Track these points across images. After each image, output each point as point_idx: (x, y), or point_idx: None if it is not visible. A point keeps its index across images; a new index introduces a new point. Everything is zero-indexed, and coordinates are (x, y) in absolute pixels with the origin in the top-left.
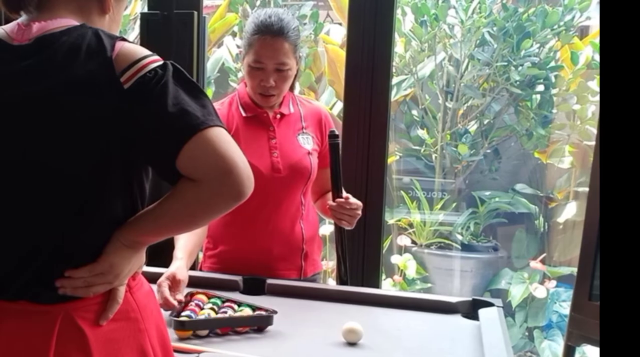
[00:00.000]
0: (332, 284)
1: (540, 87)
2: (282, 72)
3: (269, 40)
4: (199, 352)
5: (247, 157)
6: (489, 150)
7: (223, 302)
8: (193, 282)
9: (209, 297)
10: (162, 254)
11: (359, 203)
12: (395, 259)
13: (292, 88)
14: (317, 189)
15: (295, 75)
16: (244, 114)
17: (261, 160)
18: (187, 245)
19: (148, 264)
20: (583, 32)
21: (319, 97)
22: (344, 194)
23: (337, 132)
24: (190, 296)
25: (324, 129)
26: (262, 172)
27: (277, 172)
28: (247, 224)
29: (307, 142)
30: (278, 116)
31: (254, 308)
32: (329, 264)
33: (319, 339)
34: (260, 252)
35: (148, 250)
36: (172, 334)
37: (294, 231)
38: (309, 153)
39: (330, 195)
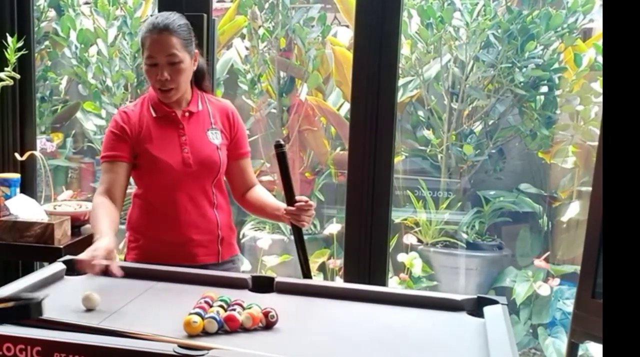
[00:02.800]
0: (339, 282)
1: (544, 89)
2: (174, 65)
3: (156, 36)
4: (208, 349)
5: (159, 154)
6: (493, 151)
7: (232, 300)
8: (202, 280)
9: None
10: None
11: (312, 203)
12: (402, 257)
13: (201, 87)
14: (237, 184)
15: (203, 75)
16: (154, 115)
17: (172, 156)
18: (110, 225)
19: None
20: (586, 35)
21: (327, 98)
22: (299, 197)
23: (282, 142)
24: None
25: (232, 123)
26: (174, 167)
27: (187, 166)
28: (164, 216)
29: (216, 137)
30: (187, 114)
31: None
32: (337, 262)
33: (326, 337)
34: (179, 242)
35: None
36: (182, 331)
37: (208, 219)
38: (217, 148)
39: (266, 200)
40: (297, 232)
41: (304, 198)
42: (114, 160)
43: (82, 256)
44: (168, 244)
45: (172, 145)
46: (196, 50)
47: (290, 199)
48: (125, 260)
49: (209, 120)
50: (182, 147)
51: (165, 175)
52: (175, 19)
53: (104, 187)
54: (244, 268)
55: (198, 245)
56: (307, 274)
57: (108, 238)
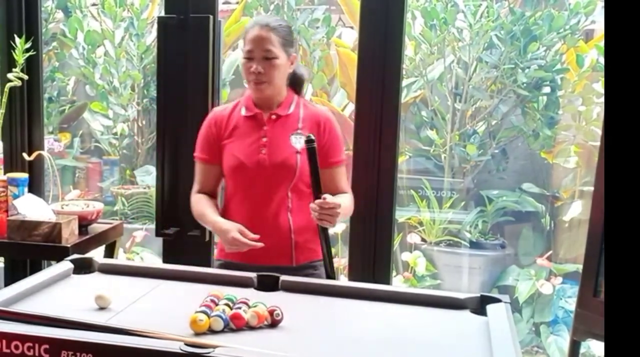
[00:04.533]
0: (344, 280)
1: (547, 89)
2: (269, 60)
3: (256, 31)
4: (214, 347)
5: (236, 153)
6: (496, 151)
7: (238, 298)
8: (208, 278)
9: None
10: None
11: (337, 202)
12: (406, 256)
13: (298, 91)
14: (326, 189)
15: (302, 82)
16: (243, 113)
17: (249, 156)
18: (217, 212)
19: None
20: (588, 36)
21: (331, 99)
22: (323, 195)
23: (313, 137)
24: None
25: (322, 130)
26: (248, 167)
27: (262, 168)
28: (239, 215)
29: (299, 142)
30: (273, 117)
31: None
32: (342, 261)
33: (331, 334)
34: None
35: None
36: (188, 329)
37: (280, 222)
38: (297, 152)
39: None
40: (322, 231)
41: (325, 195)
42: (203, 162)
43: (239, 239)
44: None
45: (251, 146)
46: (294, 54)
47: (316, 195)
48: (216, 257)
49: (296, 125)
50: (260, 149)
51: (240, 175)
52: (277, 19)
53: (197, 187)
54: None
55: (269, 247)
56: (331, 274)
57: (225, 222)
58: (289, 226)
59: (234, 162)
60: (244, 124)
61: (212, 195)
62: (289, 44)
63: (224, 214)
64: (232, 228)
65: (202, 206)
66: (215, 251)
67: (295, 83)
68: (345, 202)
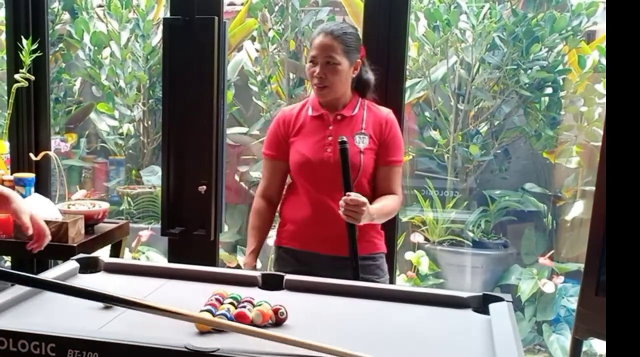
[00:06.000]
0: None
1: (549, 90)
2: (330, 65)
3: (321, 39)
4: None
5: (302, 149)
6: (499, 151)
7: (242, 297)
8: (213, 277)
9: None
10: None
11: (360, 200)
12: (409, 255)
13: (363, 94)
14: (376, 189)
15: (367, 87)
16: (309, 113)
17: (315, 154)
18: (257, 238)
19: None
20: (590, 37)
21: None
22: (350, 193)
23: (345, 139)
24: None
25: (384, 129)
26: (314, 164)
27: (327, 165)
28: (305, 207)
29: (362, 142)
30: (338, 117)
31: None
32: None
33: (335, 333)
34: (315, 232)
35: None
36: (193, 327)
37: (342, 217)
38: (360, 151)
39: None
40: (348, 227)
41: (352, 194)
42: (270, 158)
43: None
44: (305, 233)
45: (317, 144)
46: (358, 60)
47: (344, 192)
48: (275, 243)
49: (359, 125)
50: (325, 147)
51: (305, 171)
52: (343, 27)
53: (263, 185)
54: None
55: (330, 238)
56: (355, 270)
57: (250, 254)
58: None
59: (300, 159)
60: (310, 123)
61: (275, 198)
62: (352, 51)
63: (286, 205)
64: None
65: (253, 222)
66: (276, 237)
67: (361, 87)
68: (386, 204)
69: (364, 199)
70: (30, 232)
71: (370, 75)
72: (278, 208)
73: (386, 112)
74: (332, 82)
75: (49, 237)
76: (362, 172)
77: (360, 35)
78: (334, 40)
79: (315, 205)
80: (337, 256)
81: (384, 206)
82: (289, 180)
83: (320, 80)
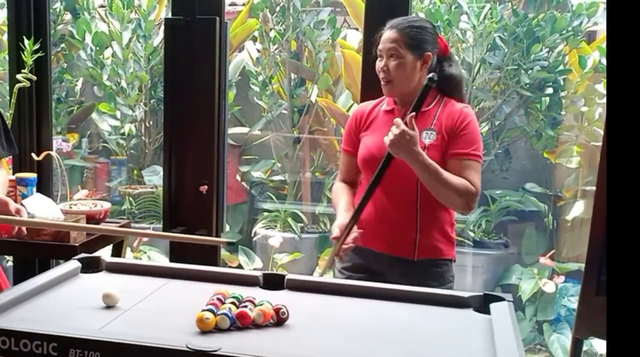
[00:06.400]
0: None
1: (549, 90)
2: (393, 59)
3: (386, 33)
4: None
5: (369, 143)
6: (500, 151)
7: (244, 297)
8: (215, 277)
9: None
10: None
11: (413, 134)
12: None
13: (444, 91)
14: None
15: (450, 83)
16: (384, 107)
17: (379, 148)
18: (346, 205)
19: None
20: (590, 37)
21: (336, 100)
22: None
23: (436, 78)
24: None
25: (456, 123)
26: (377, 159)
27: (393, 159)
28: (368, 205)
29: (429, 137)
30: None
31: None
32: None
33: (336, 332)
34: (377, 231)
35: None
36: (194, 327)
37: (406, 215)
38: (425, 147)
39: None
40: (385, 157)
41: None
42: (346, 153)
43: (334, 234)
44: (369, 231)
45: (383, 139)
46: (428, 53)
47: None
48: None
49: (430, 120)
50: None
51: (370, 166)
52: (410, 20)
53: (341, 176)
54: (255, 266)
55: (393, 238)
56: (355, 213)
57: (342, 217)
58: (416, 220)
59: (366, 153)
60: (382, 117)
61: (352, 184)
62: (418, 44)
63: (356, 202)
64: (336, 224)
65: (338, 195)
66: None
67: (443, 84)
68: (451, 177)
69: (415, 132)
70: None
71: (453, 71)
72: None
73: (462, 106)
74: (396, 76)
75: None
76: None
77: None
78: (397, 33)
79: (379, 204)
80: (401, 258)
81: (447, 175)
82: None
83: (384, 74)
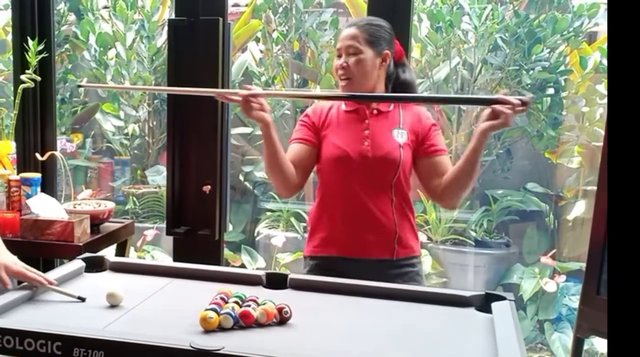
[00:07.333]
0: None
1: (551, 91)
2: (352, 55)
3: (346, 30)
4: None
5: (338, 142)
6: (501, 151)
7: (247, 296)
8: (218, 276)
9: (234, 291)
10: None
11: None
12: None
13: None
14: (431, 181)
15: (407, 86)
16: (343, 108)
17: (351, 146)
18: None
19: None
20: (591, 38)
21: None
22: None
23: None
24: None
25: (424, 125)
26: (351, 157)
27: (365, 159)
28: (339, 208)
29: (401, 136)
30: (375, 111)
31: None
32: None
33: (338, 331)
34: (353, 235)
35: None
36: (198, 326)
37: (385, 216)
38: (400, 146)
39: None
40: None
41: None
42: (301, 142)
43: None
44: (341, 237)
45: (353, 137)
46: (386, 52)
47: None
48: (306, 254)
49: (397, 119)
50: (363, 140)
51: (342, 166)
52: (370, 19)
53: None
54: (258, 265)
55: (371, 240)
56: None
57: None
58: (394, 220)
59: (337, 151)
60: (344, 117)
61: (297, 176)
62: (378, 42)
63: (319, 207)
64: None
65: None
66: (306, 248)
67: (399, 88)
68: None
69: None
70: (10, 285)
71: (409, 76)
72: (306, 217)
73: (422, 108)
74: (355, 73)
75: (36, 277)
76: (402, 168)
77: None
78: (357, 30)
79: (353, 205)
80: (381, 260)
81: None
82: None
83: (344, 70)
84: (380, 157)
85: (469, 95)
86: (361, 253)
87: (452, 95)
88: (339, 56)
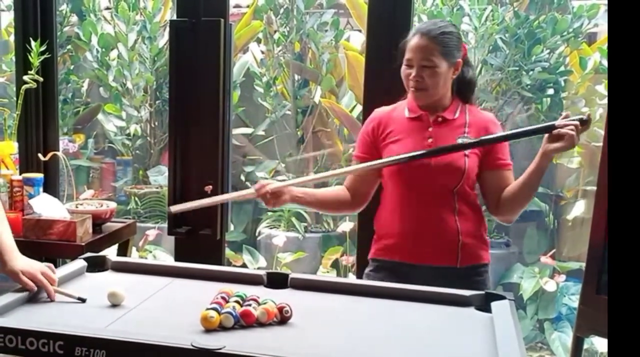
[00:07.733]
0: (352, 278)
1: (551, 91)
2: (427, 68)
3: (417, 40)
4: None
5: (401, 150)
6: None
7: (248, 295)
8: (219, 276)
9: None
10: None
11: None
12: None
13: (464, 99)
14: (493, 195)
15: (468, 88)
16: (407, 115)
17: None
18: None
19: None
20: (591, 39)
21: (340, 101)
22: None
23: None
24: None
25: (489, 134)
26: (413, 167)
27: (427, 167)
28: (401, 215)
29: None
30: (439, 119)
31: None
32: (349, 259)
33: (339, 331)
34: (413, 241)
35: None
36: (199, 326)
37: (446, 223)
38: (465, 155)
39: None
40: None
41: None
42: (358, 160)
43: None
44: (402, 243)
45: (416, 146)
46: (459, 60)
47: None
48: (370, 256)
49: (462, 129)
50: (424, 148)
51: (404, 175)
52: (441, 26)
53: (345, 182)
54: (259, 265)
55: (432, 247)
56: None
57: (297, 189)
58: (457, 228)
59: (400, 164)
60: (407, 124)
61: (353, 195)
62: (451, 51)
63: (381, 217)
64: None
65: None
66: (371, 250)
67: (464, 88)
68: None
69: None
70: (35, 289)
71: (472, 75)
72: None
73: (489, 116)
74: (430, 85)
75: (47, 285)
76: (466, 177)
77: (364, 37)
78: (431, 42)
79: (416, 213)
80: (444, 267)
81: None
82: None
83: (417, 82)
84: (444, 165)
85: (529, 127)
86: (423, 260)
87: (514, 131)
88: (409, 66)
